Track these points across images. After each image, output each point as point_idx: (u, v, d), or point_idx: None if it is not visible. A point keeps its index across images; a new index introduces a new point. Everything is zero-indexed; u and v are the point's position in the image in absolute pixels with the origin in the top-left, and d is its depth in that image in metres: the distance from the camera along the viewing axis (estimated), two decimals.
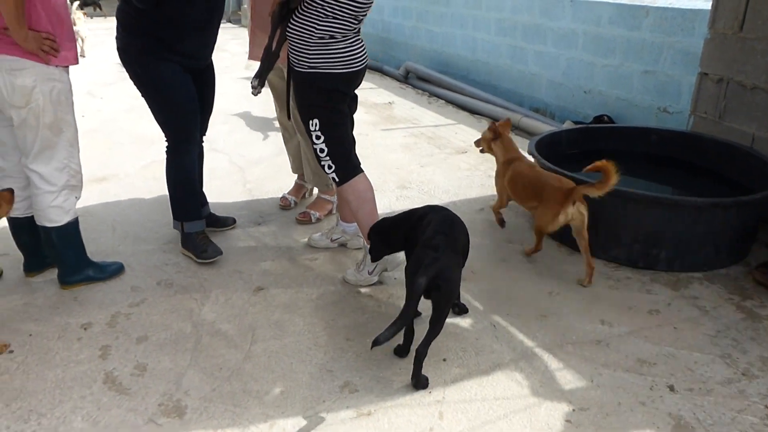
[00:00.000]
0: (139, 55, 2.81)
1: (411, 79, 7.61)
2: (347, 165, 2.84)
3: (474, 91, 6.47)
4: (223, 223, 3.50)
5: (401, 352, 2.42)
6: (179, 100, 2.90)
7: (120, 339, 2.54)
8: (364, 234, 2.86)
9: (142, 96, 2.92)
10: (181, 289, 2.92)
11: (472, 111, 6.23)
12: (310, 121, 2.76)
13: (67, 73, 2.64)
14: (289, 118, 3.24)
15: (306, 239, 3.39)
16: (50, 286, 2.91)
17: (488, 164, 4.66)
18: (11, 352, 2.44)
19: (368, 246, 2.87)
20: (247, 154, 4.82)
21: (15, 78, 2.44)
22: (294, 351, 2.48)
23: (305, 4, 2.60)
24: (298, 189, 3.90)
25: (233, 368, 2.38)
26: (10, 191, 2.44)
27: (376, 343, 2.07)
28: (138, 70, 2.84)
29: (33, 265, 2.97)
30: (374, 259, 2.74)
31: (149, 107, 2.94)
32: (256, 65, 2.85)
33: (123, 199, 3.92)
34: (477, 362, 2.41)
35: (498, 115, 5.91)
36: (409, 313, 2.16)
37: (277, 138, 5.21)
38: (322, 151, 2.80)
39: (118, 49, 2.85)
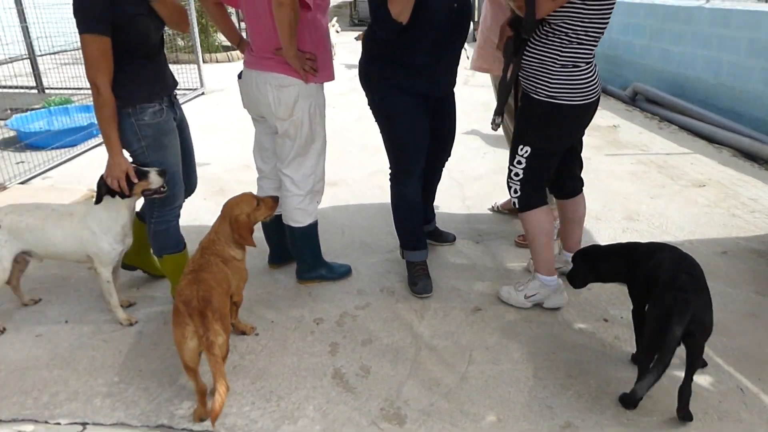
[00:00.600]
0: (379, 85, 2.87)
1: (639, 101, 7.11)
2: (531, 197, 2.79)
3: (715, 118, 5.83)
4: (444, 238, 3.57)
5: (628, 403, 2.24)
6: (407, 135, 2.90)
7: (347, 338, 2.71)
8: (536, 263, 2.87)
9: (375, 120, 3.00)
10: (402, 299, 3.03)
11: (711, 140, 5.62)
12: (521, 146, 2.72)
13: (322, 89, 2.88)
14: (494, 128, 3.12)
15: (525, 264, 3.32)
16: (289, 279, 3.21)
17: (731, 201, 4.16)
18: (257, 335, 2.73)
19: (535, 271, 2.88)
20: (467, 170, 4.87)
21: (282, 93, 2.73)
22: (511, 379, 2.43)
23: (543, 31, 2.53)
24: (509, 202, 3.87)
25: (450, 386, 2.40)
26: (275, 199, 2.71)
27: (632, 396, 1.97)
28: (375, 98, 2.93)
29: (276, 258, 3.30)
30: (577, 286, 2.60)
31: (380, 131, 3.02)
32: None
33: (351, 204, 4.21)
34: (720, 428, 2.15)
35: (743, 146, 5.26)
36: (666, 363, 1.99)
37: (496, 154, 5.21)
38: (516, 174, 2.77)
39: (360, 73, 2.95)
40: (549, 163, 2.76)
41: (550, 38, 2.51)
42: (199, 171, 4.95)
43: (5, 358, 2.56)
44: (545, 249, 2.82)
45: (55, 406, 2.29)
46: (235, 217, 2.50)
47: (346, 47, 11.02)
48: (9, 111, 6.55)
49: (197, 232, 3.59)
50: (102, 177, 2.55)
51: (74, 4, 2.36)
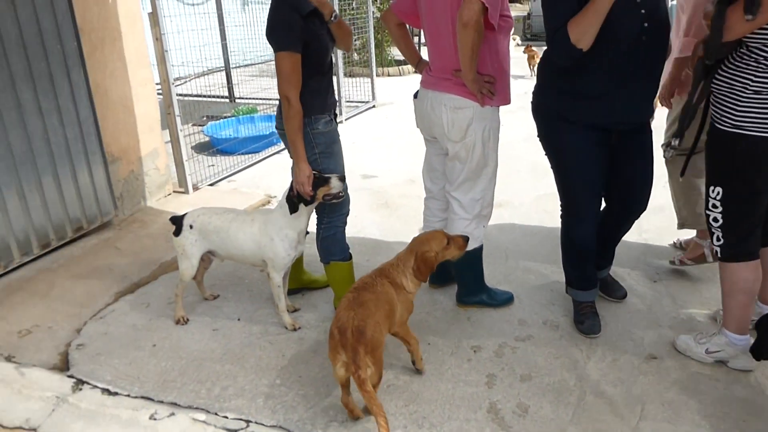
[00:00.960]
0: (550, 119, 2.65)
1: None
2: (738, 247, 2.42)
3: None
4: (614, 292, 3.12)
5: None
6: (577, 176, 2.66)
7: (505, 371, 2.59)
8: (726, 318, 2.53)
9: (545, 153, 2.79)
10: (567, 335, 2.84)
11: None
12: (713, 187, 2.39)
13: (498, 112, 2.79)
14: (665, 155, 2.77)
15: (711, 312, 2.95)
16: (448, 300, 3.16)
17: None
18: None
19: (723, 326, 2.54)
20: None
21: (456, 115, 2.68)
22: None
23: (738, 53, 2.21)
24: (694, 248, 3.35)
25: None
26: (465, 239, 2.60)
27: None
28: (546, 131, 2.71)
29: (437, 278, 3.26)
30: (761, 357, 2.26)
31: (550, 166, 2.79)
32: None
33: (517, 227, 4.06)
34: None
35: None
36: None
37: None
38: (715, 220, 2.43)
39: (532, 104, 2.74)
40: (751, 206, 2.38)
41: (744, 60, 2.20)
42: (366, 183, 5.13)
43: (187, 348, 2.79)
44: (741, 308, 2.47)
45: (224, 399, 2.44)
46: (423, 253, 2.46)
47: (515, 62, 10.79)
48: (206, 118, 7.29)
49: (361, 244, 3.69)
50: (289, 191, 2.69)
51: (271, 25, 2.54)
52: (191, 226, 2.84)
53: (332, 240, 2.89)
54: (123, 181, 4.32)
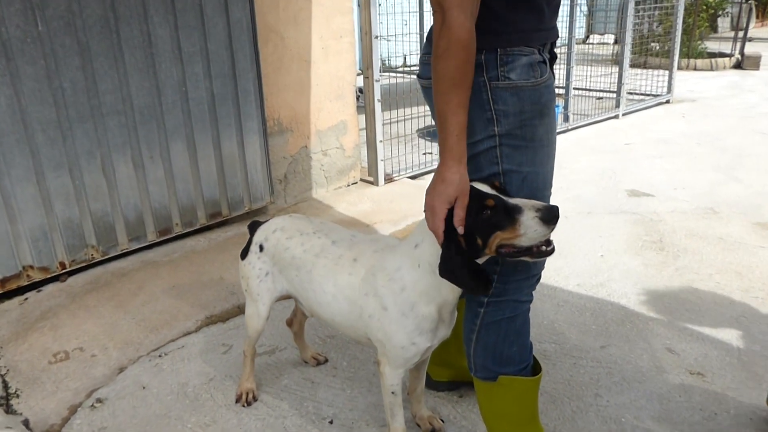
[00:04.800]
0: None
1: None
2: None
3: None
4: None
5: None
6: None
7: None
8: None
9: None
10: None
11: None
12: None
13: None
14: None
15: None
16: None
17: None
18: None
19: None
20: None
21: None
22: None
23: None
24: None
25: None
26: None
27: None
28: None
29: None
30: None
31: None
32: None
33: None
34: None
35: None
36: None
37: None
38: None
39: None
40: None
41: None
42: (632, 204, 3.33)
43: None
44: None
45: None
46: None
47: None
48: None
49: (594, 312, 2.07)
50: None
51: None
52: (261, 247, 1.57)
53: (505, 331, 1.35)
54: (291, 158, 3.30)
